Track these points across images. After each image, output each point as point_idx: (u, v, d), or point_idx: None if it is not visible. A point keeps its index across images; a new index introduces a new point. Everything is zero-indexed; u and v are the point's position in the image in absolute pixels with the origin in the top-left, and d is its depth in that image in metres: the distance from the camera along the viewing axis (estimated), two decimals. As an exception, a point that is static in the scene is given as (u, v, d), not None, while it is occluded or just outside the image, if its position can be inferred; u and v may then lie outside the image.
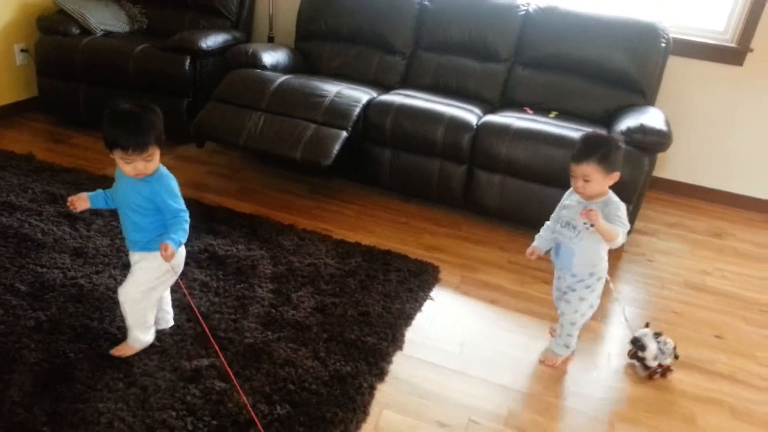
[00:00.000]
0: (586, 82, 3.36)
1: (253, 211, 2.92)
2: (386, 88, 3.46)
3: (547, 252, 2.09)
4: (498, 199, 2.98)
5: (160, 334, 1.97)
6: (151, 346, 1.91)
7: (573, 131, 2.92)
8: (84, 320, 1.99)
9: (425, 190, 3.16)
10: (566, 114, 3.29)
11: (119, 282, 2.21)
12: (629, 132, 2.81)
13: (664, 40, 3.27)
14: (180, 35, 3.53)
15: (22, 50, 3.72)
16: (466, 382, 2.00)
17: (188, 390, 1.76)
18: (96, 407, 1.66)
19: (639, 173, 2.78)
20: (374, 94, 3.23)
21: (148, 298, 1.83)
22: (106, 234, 2.52)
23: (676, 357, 2.12)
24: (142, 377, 1.79)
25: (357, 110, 3.03)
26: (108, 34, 3.70)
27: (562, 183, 2.84)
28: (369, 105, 3.11)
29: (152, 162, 1.68)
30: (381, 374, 1.96)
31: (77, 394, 1.70)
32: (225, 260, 2.44)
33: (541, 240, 2.07)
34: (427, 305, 2.38)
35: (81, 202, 1.80)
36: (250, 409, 1.70)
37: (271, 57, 3.46)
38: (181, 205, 1.74)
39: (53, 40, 3.57)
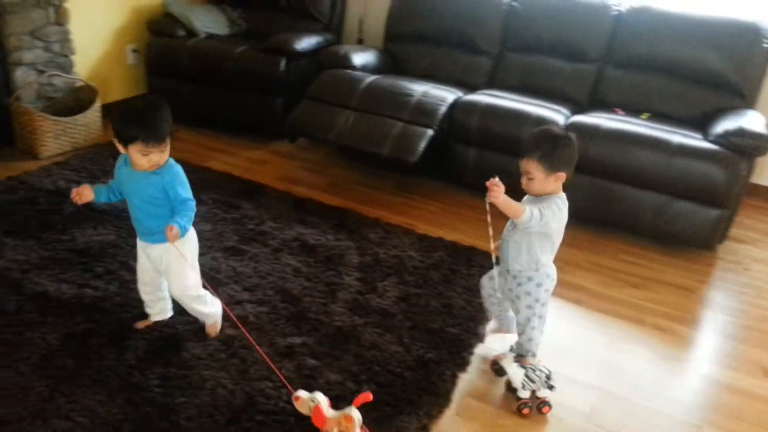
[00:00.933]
0: (680, 83, 3.27)
1: (341, 204, 3.04)
2: (472, 89, 3.49)
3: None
4: (584, 200, 2.94)
5: (257, 312, 2.11)
6: (248, 323, 2.05)
7: (666, 133, 2.86)
8: (189, 296, 2.16)
9: (509, 190, 3.15)
10: (659, 116, 3.21)
11: (221, 263, 2.39)
12: (726, 134, 2.72)
13: (767, 41, 3.13)
14: (276, 38, 3.72)
15: (133, 50, 4.04)
16: (548, 376, 2.01)
17: (283, 364, 1.88)
18: (201, 374, 1.82)
19: (735, 177, 2.68)
20: (460, 94, 3.28)
21: (198, 279, 1.92)
22: (209, 220, 2.71)
23: (550, 387, 1.84)
24: (241, 350, 1.93)
25: (443, 109, 3.10)
26: (210, 36, 3.95)
27: (653, 185, 2.79)
28: (455, 104, 3.17)
29: (166, 153, 1.75)
30: (463, 364, 2.01)
31: (184, 361, 1.86)
32: (315, 248, 2.57)
33: None
34: (510, 301, 2.40)
35: (86, 191, 1.80)
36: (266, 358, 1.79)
37: (360, 58, 3.59)
38: (189, 194, 1.80)
39: (162, 42, 3.86)
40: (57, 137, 3.28)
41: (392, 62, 3.84)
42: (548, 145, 1.73)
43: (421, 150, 2.96)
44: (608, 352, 2.16)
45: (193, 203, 1.81)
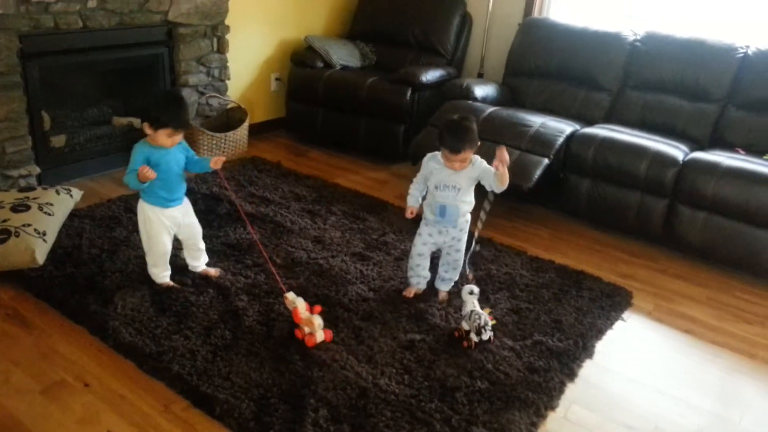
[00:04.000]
0: (810, 125, 3.22)
1: (457, 224, 3.25)
2: (589, 123, 3.61)
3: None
4: (701, 236, 2.97)
5: (382, 309, 2.36)
6: (373, 317, 2.30)
7: (791, 173, 2.84)
8: (324, 290, 2.46)
9: (622, 222, 3.24)
10: (784, 157, 3.17)
11: (350, 265, 2.68)
12: None
13: None
14: (404, 70, 4.05)
15: (276, 79, 4.54)
16: (654, 394, 2.09)
17: (404, 355, 2.11)
18: (332, 355, 2.07)
19: None
20: (578, 127, 3.42)
21: None
22: (338, 228, 3.03)
23: (477, 333, 2.16)
24: (368, 339, 2.17)
25: (560, 140, 3.25)
26: (344, 68, 4.36)
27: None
28: (572, 136, 3.31)
29: (182, 134, 2.24)
30: (571, 374, 2.13)
31: (320, 344, 2.13)
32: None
33: (415, 199, 2.41)
34: (619, 325, 2.49)
35: (152, 172, 2.16)
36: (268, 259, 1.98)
37: (481, 90, 3.83)
38: None
39: (302, 72, 4.31)
40: (211, 150, 3.77)
41: (511, 95, 4.04)
42: (470, 133, 2.21)
43: (536, 177, 3.12)
44: (720, 380, 2.19)
45: None
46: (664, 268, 3.00)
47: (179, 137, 2.23)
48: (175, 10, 3.56)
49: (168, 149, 2.23)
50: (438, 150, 2.31)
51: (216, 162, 2.29)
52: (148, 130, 2.19)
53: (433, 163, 2.33)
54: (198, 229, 2.46)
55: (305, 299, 2.35)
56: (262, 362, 2.02)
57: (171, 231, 2.36)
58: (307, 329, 2.13)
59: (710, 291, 2.81)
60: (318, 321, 2.13)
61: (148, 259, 2.40)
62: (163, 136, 2.18)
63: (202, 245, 2.50)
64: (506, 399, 1.94)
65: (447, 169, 2.29)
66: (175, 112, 2.17)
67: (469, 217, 2.40)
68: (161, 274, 2.41)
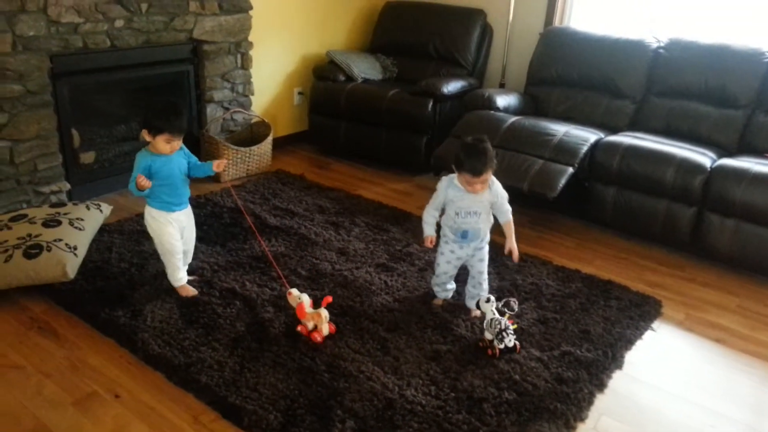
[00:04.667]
0: (842, 129, 3.14)
1: (480, 234, 3.24)
2: (613, 131, 3.58)
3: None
4: (730, 243, 2.91)
5: (407, 320, 2.36)
6: (398, 328, 2.30)
7: (824, 178, 2.77)
8: (348, 301, 2.46)
9: (648, 230, 3.20)
10: (816, 162, 3.10)
11: (374, 276, 2.68)
12: None
13: None
14: (425, 82, 4.06)
15: (299, 93, 4.59)
16: (687, 405, 2.05)
17: (431, 366, 2.10)
18: (359, 367, 2.08)
19: None
20: (602, 135, 3.39)
21: None
22: (362, 240, 3.04)
23: (499, 338, 2.16)
24: (394, 350, 2.17)
25: (585, 149, 3.22)
26: (366, 80, 4.40)
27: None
28: (596, 144, 3.28)
29: (181, 140, 2.28)
30: (600, 385, 2.10)
31: (346, 354, 2.14)
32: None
33: (432, 227, 2.40)
34: (648, 335, 2.44)
35: (147, 182, 2.23)
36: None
37: (503, 100, 3.82)
38: None
39: (324, 85, 4.36)
40: (236, 164, 3.82)
41: (533, 105, 4.03)
42: (488, 154, 2.21)
43: (561, 186, 3.10)
44: (753, 391, 2.14)
45: None
46: (693, 276, 2.95)
47: (178, 143, 2.28)
48: (199, 28, 3.63)
49: (170, 156, 2.29)
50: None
51: (218, 165, 2.37)
52: (147, 137, 2.26)
53: (452, 190, 2.31)
54: (194, 236, 2.52)
55: (330, 311, 2.37)
56: (288, 373, 2.03)
57: (177, 230, 2.41)
58: (312, 323, 2.20)
59: (741, 299, 2.75)
60: (325, 313, 2.20)
61: (165, 265, 2.44)
62: (161, 143, 2.24)
63: (192, 254, 2.58)
64: (534, 410, 1.92)
65: (468, 195, 2.28)
66: (171, 118, 2.23)
67: (487, 236, 2.42)
68: (177, 276, 2.44)
